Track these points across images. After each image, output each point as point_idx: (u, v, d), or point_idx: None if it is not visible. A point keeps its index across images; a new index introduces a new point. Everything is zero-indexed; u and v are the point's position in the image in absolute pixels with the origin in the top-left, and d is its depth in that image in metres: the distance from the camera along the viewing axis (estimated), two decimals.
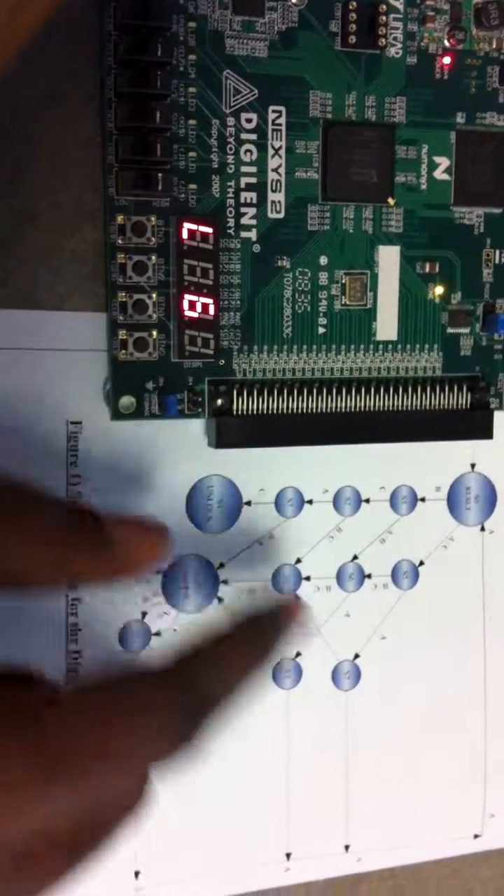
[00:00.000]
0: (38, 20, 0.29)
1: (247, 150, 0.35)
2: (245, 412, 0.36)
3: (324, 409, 0.36)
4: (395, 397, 0.37)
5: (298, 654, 0.39)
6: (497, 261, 0.39)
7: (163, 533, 0.28)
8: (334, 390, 0.37)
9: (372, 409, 0.37)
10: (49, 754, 0.23)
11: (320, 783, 0.40)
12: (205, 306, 0.35)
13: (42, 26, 0.29)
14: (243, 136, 0.35)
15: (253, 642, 0.30)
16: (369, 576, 0.39)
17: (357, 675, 0.40)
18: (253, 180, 0.35)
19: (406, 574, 0.40)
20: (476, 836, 0.42)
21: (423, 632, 0.40)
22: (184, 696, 0.26)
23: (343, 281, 0.37)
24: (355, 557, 0.39)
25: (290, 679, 0.39)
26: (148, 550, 0.28)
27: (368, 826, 0.40)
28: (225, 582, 0.37)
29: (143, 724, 0.25)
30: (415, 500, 0.40)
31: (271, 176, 0.35)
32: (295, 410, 0.36)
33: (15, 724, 0.24)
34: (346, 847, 0.40)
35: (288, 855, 0.39)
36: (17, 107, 0.33)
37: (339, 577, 0.39)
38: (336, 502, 0.39)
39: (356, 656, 0.40)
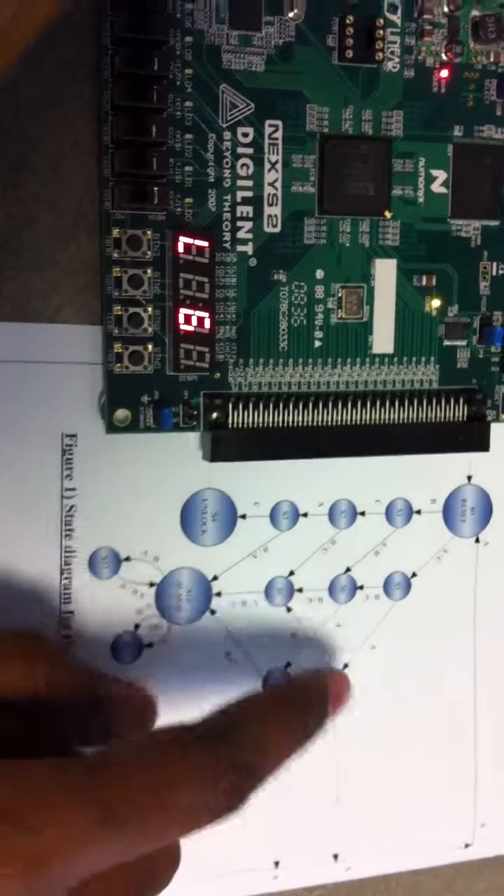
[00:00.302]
0: (40, 25, 0.29)
1: (243, 164, 0.35)
2: (240, 426, 0.36)
3: (320, 423, 0.37)
4: (392, 410, 0.37)
5: (289, 665, 0.39)
6: (494, 273, 0.39)
7: None
8: (330, 404, 0.37)
9: (368, 422, 0.37)
10: (105, 801, 0.26)
11: (309, 791, 0.40)
12: (200, 320, 0.35)
13: (43, 32, 0.29)
14: (240, 150, 0.35)
15: (297, 713, 0.32)
16: (361, 587, 0.39)
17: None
18: (249, 194, 0.35)
19: (398, 585, 0.40)
20: (467, 846, 0.42)
21: (413, 642, 0.40)
22: (231, 763, 0.29)
23: (339, 294, 0.37)
24: (348, 569, 0.39)
25: None
26: None
27: (357, 835, 0.40)
28: (218, 594, 0.38)
29: (191, 785, 0.28)
30: (410, 512, 0.40)
31: (268, 190, 0.35)
32: (290, 424, 0.36)
33: (73, 771, 0.27)
34: (335, 856, 0.40)
35: (276, 863, 0.39)
36: (17, 112, 0.33)
37: (332, 589, 0.39)
38: (331, 515, 0.39)
39: (345, 666, 0.40)
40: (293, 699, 0.33)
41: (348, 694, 0.35)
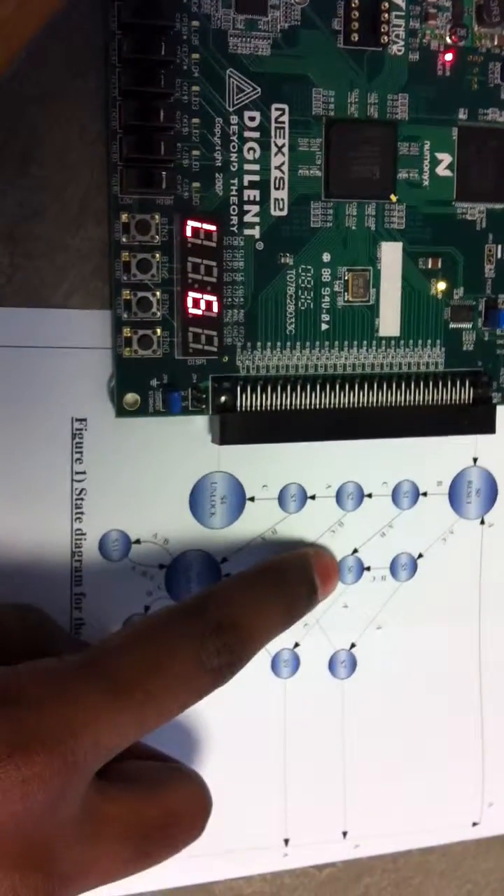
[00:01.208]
0: (46, 14, 0.29)
1: (250, 148, 0.35)
2: (249, 409, 0.36)
3: (327, 405, 0.37)
4: (398, 393, 0.38)
5: (297, 645, 0.39)
6: (499, 256, 0.39)
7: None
8: (337, 386, 0.37)
9: (375, 404, 0.37)
10: (110, 675, 0.28)
11: (318, 770, 0.40)
12: (208, 304, 0.35)
13: (49, 21, 0.30)
14: (246, 134, 0.35)
15: (278, 579, 0.35)
16: (368, 568, 0.40)
17: (353, 664, 0.40)
18: (256, 178, 0.35)
19: (404, 566, 0.40)
20: (474, 825, 0.42)
21: (419, 621, 0.41)
22: (217, 622, 0.31)
23: (346, 277, 0.37)
24: (355, 551, 0.39)
25: (288, 668, 0.39)
26: None
27: (366, 813, 0.41)
28: (227, 576, 0.38)
29: (186, 647, 0.30)
30: (417, 494, 0.40)
31: (274, 174, 0.36)
32: (298, 407, 0.36)
33: (76, 657, 0.29)
34: (344, 833, 0.41)
35: (286, 840, 0.40)
36: (24, 101, 0.33)
37: (339, 570, 0.39)
38: (339, 497, 0.39)
39: (352, 646, 0.40)
40: (273, 568, 0.35)
41: (335, 570, 0.38)
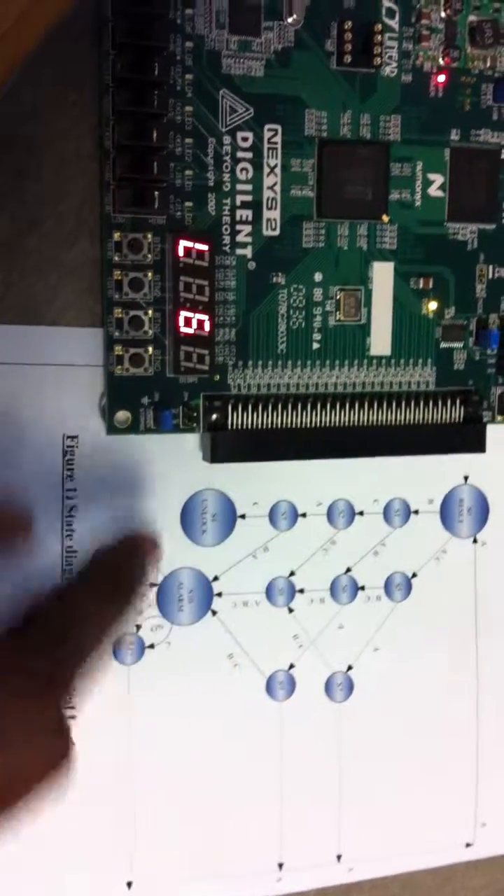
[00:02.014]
0: (44, 28, 0.30)
1: (242, 169, 0.35)
2: (240, 427, 0.36)
3: (318, 424, 0.37)
4: (389, 412, 0.38)
5: (292, 666, 0.39)
6: (490, 276, 0.39)
7: None
8: (328, 405, 0.37)
9: (366, 423, 0.37)
10: None
11: (313, 793, 0.40)
12: (200, 322, 0.35)
13: (45, 38, 0.30)
14: (239, 154, 0.35)
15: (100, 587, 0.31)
16: (363, 588, 0.40)
17: (350, 686, 0.40)
18: (248, 198, 0.36)
19: (399, 586, 0.40)
20: (468, 845, 0.42)
21: (415, 643, 0.41)
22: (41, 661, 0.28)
23: (337, 297, 0.37)
24: (348, 570, 0.39)
25: (284, 691, 0.39)
26: None
27: (360, 836, 0.41)
28: (219, 594, 0.38)
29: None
30: (408, 512, 0.40)
31: (267, 194, 0.36)
32: (289, 425, 0.36)
33: None
34: (339, 857, 0.40)
35: (280, 865, 0.40)
36: (20, 118, 0.34)
37: (333, 590, 0.39)
38: (330, 515, 0.39)
39: (349, 668, 0.40)
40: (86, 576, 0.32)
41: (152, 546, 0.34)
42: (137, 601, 0.32)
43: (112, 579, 0.32)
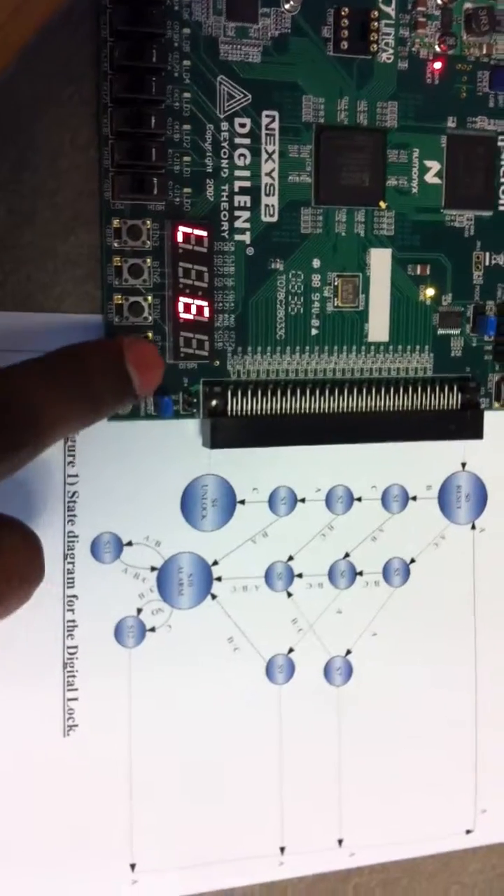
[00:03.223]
0: (40, 21, 0.30)
1: (240, 155, 0.36)
2: (239, 413, 0.36)
3: (317, 410, 0.37)
4: (387, 398, 0.38)
5: (291, 651, 0.39)
6: (487, 263, 0.39)
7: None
8: (327, 391, 0.37)
9: (364, 409, 0.38)
10: None
11: (314, 778, 0.40)
12: (199, 308, 0.35)
13: (42, 29, 0.30)
14: (237, 140, 0.35)
15: (81, 369, 0.31)
16: (361, 573, 0.40)
17: (349, 671, 0.40)
18: (247, 184, 0.36)
19: (397, 571, 0.40)
20: (468, 832, 0.42)
21: (414, 628, 0.41)
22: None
23: (335, 283, 0.37)
24: (347, 555, 0.40)
25: (283, 675, 0.39)
26: None
27: (362, 821, 0.41)
28: (219, 579, 0.38)
29: None
30: (406, 498, 0.40)
31: (265, 180, 0.36)
32: (288, 411, 0.37)
33: None
34: (340, 841, 0.41)
35: (282, 849, 0.40)
36: (16, 108, 0.34)
37: (331, 575, 0.39)
38: (328, 501, 0.39)
39: (348, 652, 0.40)
40: (74, 354, 0.32)
41: (155, 359, 0.34)
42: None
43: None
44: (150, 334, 0.35)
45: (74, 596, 0.36)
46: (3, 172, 0.34)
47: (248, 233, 0.36)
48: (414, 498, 0.40)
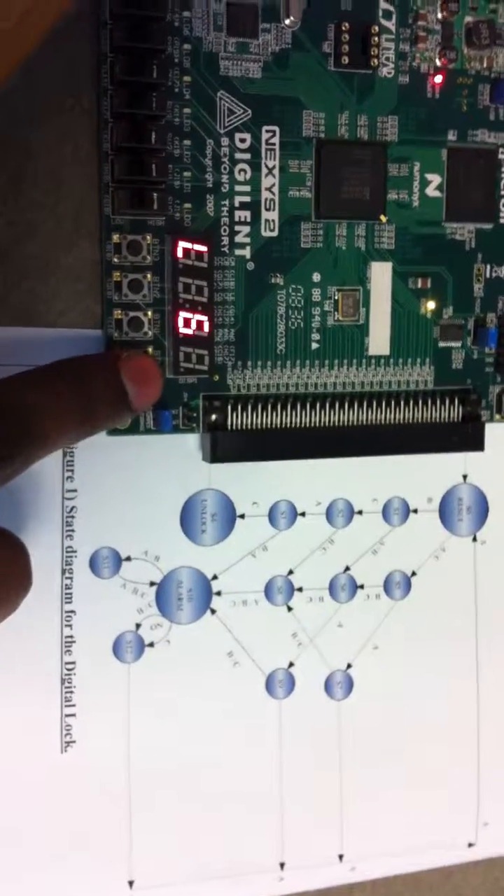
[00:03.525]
0: (45, 28, 0.30)
1: (241, 170, 0.36)
2: (239, 427, 0.36)
3: (317, 424, 0.37)
4: (388, 411, 0.38)
5: (291, 665, 0.39)
6: (488, 276, 0.39)
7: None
8: (327, 405, 0.37)
9: (365, 422, 0.38)
10: None
11: (314, 792, 0.40)
12: (199, 323, 0.35)
13: (43, 41, 0.30)
14: (237, 155, 0.35)
15: (78, 380, 0.31)
16: (362, 586, 0.40)
17: (350, 684, 0.40)
18: (247, 199, 0.36)
19: (398, 584, 0.40)
20: (470, 845, 0.42)
21: (415, 642, 0.41)
22: None
23: (336, 297, 0.37)
24: (348, 568, 0.40)
25: (283, 689, 0.39)
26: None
27: (362, 835, 0.41)
28: (218, 593, 0.38)
29: None
30: (407, 511, 0.40)
31: (265, 195, 0.36)
32: (288, 425, 0.37)
33: None
34: (340, 856, 0.40)
35: (282, 864, 0.40)
36: (17, 120, 0.34)
37: (332, 588, 0.39)
38: (329, 514, 0.39)
39: (349, 666, 0.40)
40: (70, 366, 0.32)
41: (153, 373, 0.34)
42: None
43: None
44: (149, 349, 0.35)
45: (72, 611, 0.36)
46: (3, 184, 0.34)
47: (248, 247, 0.36)
48: (415, 510, 0.40)
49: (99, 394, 0.32)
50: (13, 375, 0.30)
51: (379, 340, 0.38)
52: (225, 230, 0.36)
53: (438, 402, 0.38)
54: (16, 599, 0.30)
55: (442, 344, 0.39)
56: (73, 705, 0.36)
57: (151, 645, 0.37)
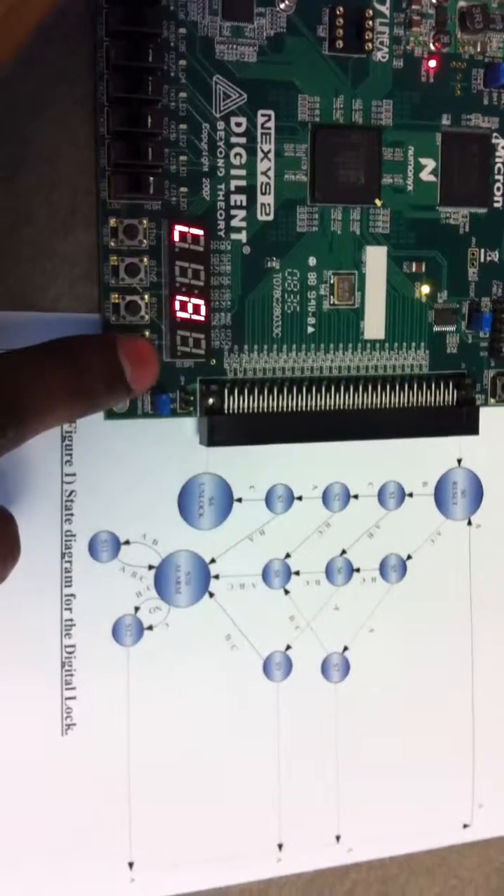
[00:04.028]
0: (35, 22, 0.30)
1: (236, 154, 0.36)
2: (236, 411, 0.36)
3: (313, 408, 0.37)
4: (383, 395, 0.38)
5: (289, 648, 0.39)
6: (482, 260, 0.39)
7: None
8: (323, 389, 0.37)
9: (360, 406, 0.38)
10: None
11: (311, 774, 0.40)
12: (196, 307, 0.35)
13: (38, 29, 0.30)
14: (233, 139, 0.36)
15: (71, 360, 0.31)
16: (358, 570, 0.40)
17: (346, 667, 0.40)
18: (243, 183, 0.36)
19: (394, 568, 0.41)
20: (465, 826, 0.43)
21: (411, 624, 0.41)
22: None
23: (331, 281, 0.37)
24: (344, 552, 0.40)
25: (281, 672, 0.39)
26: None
27: (359, 817, 0.41)
28: (216, 577, 0.38)
29: None
30: (402, 495, 0.40)
31: (261, 179, 0.36)
32: (285, 409, 0.37)
33: None
34: (338, 837, 0.41)
35: (280, 846, 0.40)
36: (13, 107, 0.34)
37: (328, 572, 0.40)
38: (325, 498, 0.39)
39: (345, 649, 0.40)
40: (64, 346, 0.32)
41: (150, 355, 0.33)
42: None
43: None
44: (147, 333, 0.35)
45: (72, 595, 0.36)
46: (0, 171, 0.34)
47: (244, 231, 0.36)
48: (410, 494, 0.41)
49: (95, 371, 0.32)
50: (3, 352, 0.30)
51: (374, 325, 0.38)
52: (221, 214, 0.36)
53: (433, 386, 0.39)
54: (2, 570, 0.31)
55: (437, 328, 0.39)
56: (74, 688, 0.37)
57: (150, 628, 0.37)
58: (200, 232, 0.35)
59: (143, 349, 0.33)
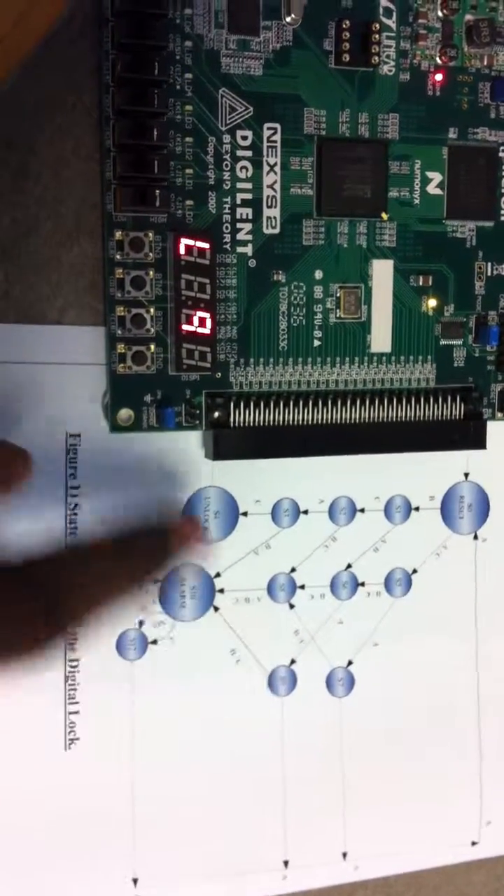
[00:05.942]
0: (41, 33, 0.30)
1: (242, 167, 0.36)
2: (242, 424, 0.36)
3: (319, 421, 0.37)
4: (390, 408, 0.38)
5: (293, 662, 0.39)
6: (489, 273, 0.39)
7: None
8: (329, 402, 0.37)
9: (367, 420, 0.38)
10: None
11: (317, 790, 0.40)
12: (202, 320, 0.35)
13: (44, 39, 0.30)
14: (239, 152, 0.35)
15: (127, 556, 0.32)
16: (363, 584, 0.40)
17: (351, 681, 0.40)
18: (248, 196, 0.36)
19: (399, 582, 0.40)
20: (473, 844, 0.42)
21: (416, 639, 0.41)
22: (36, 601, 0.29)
23: (338, 294, 0.37)
24: (349, 566, 0.40)
25: (285, 686, 0.39)
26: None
27: (366, 833, 0.41)
28: (221, 591, 0.38)
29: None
30: (409, 509, 0.40)
31: (266, 192, 0.36)
32: (291, 422, 0.37)
33: None
34: (344, 854, 0.40)
35: (286, 863, 0.40)
36: (19, 118, 0.34)
37: (333, 586, 0.39)
38: (331, 512, 0.39)
39: (350, 663, 0.40)
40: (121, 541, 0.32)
41: (196, 532, 0.34)
42: (149, 579, 0.33)
43: (142, 550, 0.32)
44: (152, 346, 0.35)
45: None
46: (6, 182, 0.34)
47: (250, 245, 0.36)
48: (416, 508, 0.40)
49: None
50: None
51: (380, 338, 0.38)
52: (227, 227, 0.36)
53: (440, 399, 0.39)
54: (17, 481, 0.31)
55: (443, 342, 0.39)
56: (77, 702, 0.36)
57: (155, 642, 0.37)
58: (206, 245, 0.35)
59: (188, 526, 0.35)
